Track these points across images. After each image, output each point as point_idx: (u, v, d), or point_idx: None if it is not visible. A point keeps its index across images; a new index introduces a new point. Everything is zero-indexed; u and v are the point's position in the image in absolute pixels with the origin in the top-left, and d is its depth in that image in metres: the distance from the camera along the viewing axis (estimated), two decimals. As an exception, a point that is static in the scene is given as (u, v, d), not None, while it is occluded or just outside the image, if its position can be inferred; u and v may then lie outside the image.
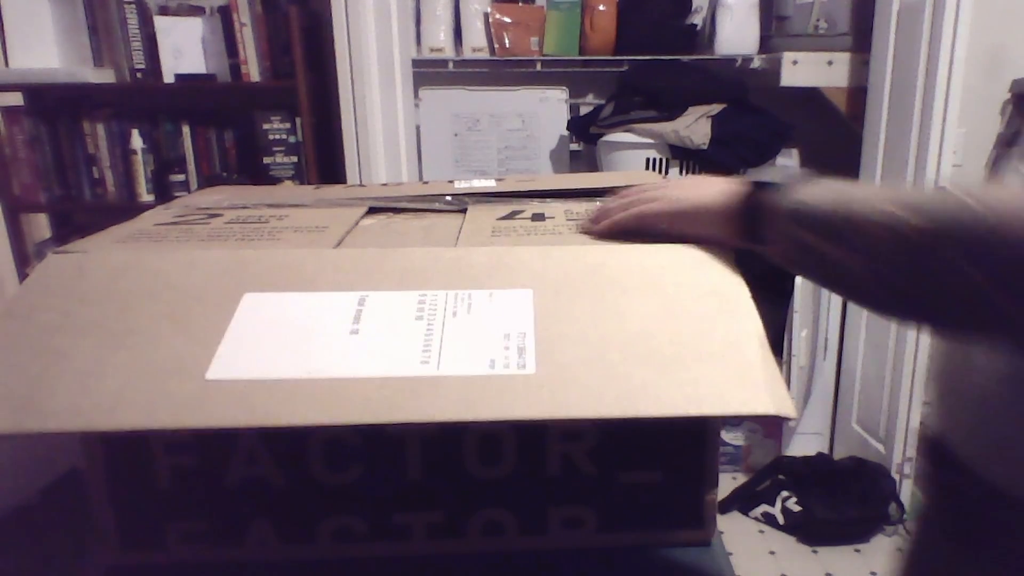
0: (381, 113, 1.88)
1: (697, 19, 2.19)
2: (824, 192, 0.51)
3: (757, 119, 1.98)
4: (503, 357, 0.46)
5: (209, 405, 0.43)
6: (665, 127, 1.95)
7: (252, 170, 1.97)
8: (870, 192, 0.50)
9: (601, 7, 2.09)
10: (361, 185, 1.10)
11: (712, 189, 0.57)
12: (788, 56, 1.95)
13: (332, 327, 0.49)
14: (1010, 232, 0.42)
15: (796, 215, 0.51)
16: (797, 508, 1.91)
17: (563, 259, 0.57)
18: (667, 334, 0.48)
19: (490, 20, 2.13)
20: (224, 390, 0.44)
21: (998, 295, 0.42)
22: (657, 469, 0.57)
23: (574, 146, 2.30)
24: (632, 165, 2.01)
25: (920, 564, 0.66)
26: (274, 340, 0.48)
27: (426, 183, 1.08)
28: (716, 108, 1.96)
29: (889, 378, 1.91)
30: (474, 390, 0.44)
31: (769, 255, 0.54)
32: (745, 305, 0.52)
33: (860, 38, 1.92)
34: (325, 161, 2.00)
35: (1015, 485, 0.53)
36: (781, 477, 2.00)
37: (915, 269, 0.45)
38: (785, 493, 1.96)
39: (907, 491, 1.93)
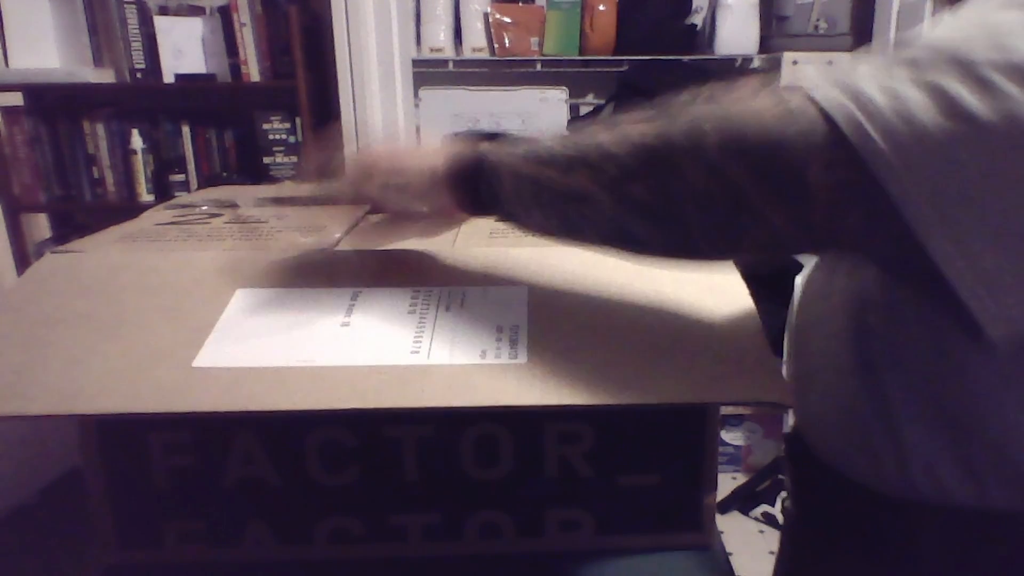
0: (381, 113, 1.88)
1: (697, 19, 2.18)
2: (558, 134, 0.46)
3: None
4: (495, 348, 0.46)
5: (195, 391, 0.43)
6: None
7: (252, 170, 1.97)
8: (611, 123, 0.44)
9: (601, 7, 2.09)
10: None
11: (422, 159, 0.52)
12: (788, 56, 1.94)
13: (323, 320, 0.49)
14: (762, 124, 0.38)
15: (529, 155, 0.46)
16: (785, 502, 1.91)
17: (560, 259, 0.57)
18: (664, 329, 0.48)
19: (490, 20, 2.13)
20: (211, 377, 0.44)
21: (754, 190, 0.38)
22: (655, 472, 0.57)
23: (574, 146, 2.30)
24: (632, 165, 2.01)
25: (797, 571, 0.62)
26: (264, 331, 0.48)
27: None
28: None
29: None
30: (464, 378, 0.44)
31: (502, 215, 0.49)
32: (743, 301, 0.52)
33: (860, 38, 1.92)
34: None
35: (867, 475, 0.51)
36: (781, 477, 2.00)
37: (663, 174, 0.40)
38: (785, 493, 1.96)
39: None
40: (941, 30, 0.38)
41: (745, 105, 0.39)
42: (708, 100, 0.41)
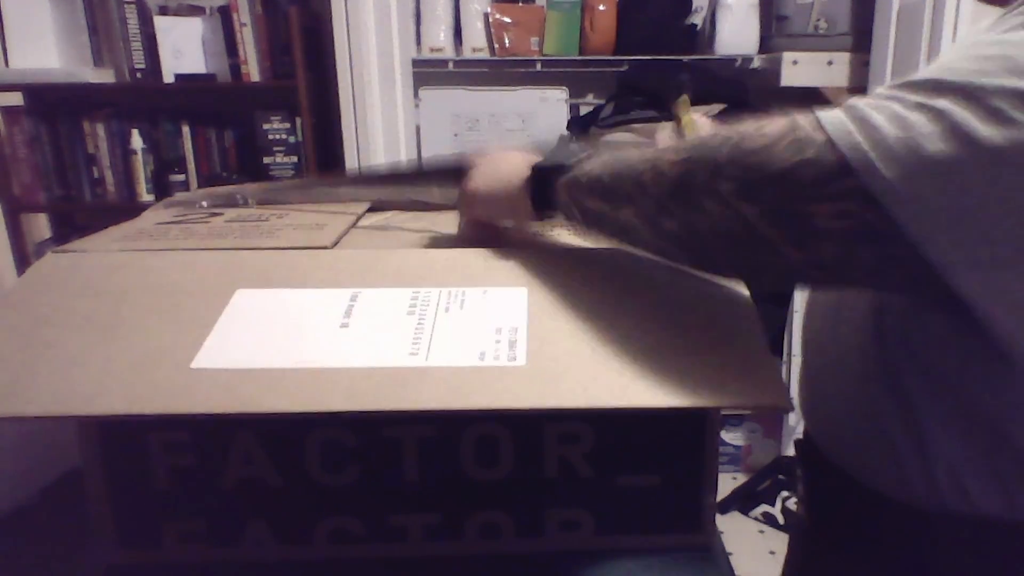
0: (381, 113, 1.88)
1: (697, 19, 2.18)
2: (602, 157, 0.50)
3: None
4: (494, 350, 0.46)
5: (193, 392, 0.43)
6: (665, 127, 1.95)
7: (252, 170, 1.97)
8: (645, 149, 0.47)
9: (601, 7, 2.09)
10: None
11: (507, 171, 0.58)
12: (788, 56, 1.94)
13: (322, 321, 0.49)
14: (773, 159, 0.38)
15: (575, 183, 0.51)
16: (797, 508, 1.92)
17: (560, 259, 0.57)
18: (663, 330, 0.48)
19: (490, 20, 2.13)
20: (209, 378, 0.44)
21: (768, 230, 0.39)
22: (655, 472, 0.57)
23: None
24: (632, 165, 2.01)
25: None
26: (263, 332, 0.48)
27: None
28: (716, 108, 1.96)
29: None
30: (463, 380, 0.44)
31: (570, 228, 0.55)
32: (743, 302, 0.51)
33: (860, 38, 1.91)
34: (325, 161, 2.00)
35: (888, 483, 0.50)
36: (781, 477, 2.00)
37: (688, 211, 0.42)
38: (785, 493, 1.96)
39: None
40: (958, 52, 0.37)
41: (758, 137, 0.39)
42: (730, 129, 0.41)
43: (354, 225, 0.68)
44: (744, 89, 2.02)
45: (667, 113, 1.97)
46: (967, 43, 0.38)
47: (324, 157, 2.00)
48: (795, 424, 2.11)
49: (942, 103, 0.35)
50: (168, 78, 1.89)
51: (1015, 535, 0.46)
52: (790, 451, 2.13)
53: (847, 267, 0.39)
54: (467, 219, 0.64)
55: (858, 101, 0.37)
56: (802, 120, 0.38)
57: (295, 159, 1.96)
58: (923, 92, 0.36)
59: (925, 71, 0.37)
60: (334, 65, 1.82)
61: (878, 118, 0.36)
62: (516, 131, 2.28)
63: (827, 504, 0.58)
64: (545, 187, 0.54)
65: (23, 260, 1.96)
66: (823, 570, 0.59)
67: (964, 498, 0.46)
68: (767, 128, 0.39)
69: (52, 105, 1.95)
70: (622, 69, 2.14)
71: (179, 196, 0.84)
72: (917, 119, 0.35)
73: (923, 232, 0.35)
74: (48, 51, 1.92)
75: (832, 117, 0.37)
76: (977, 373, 0.44)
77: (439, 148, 2.28)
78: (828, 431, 0.56)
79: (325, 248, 0.61)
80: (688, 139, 0.44)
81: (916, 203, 0.35)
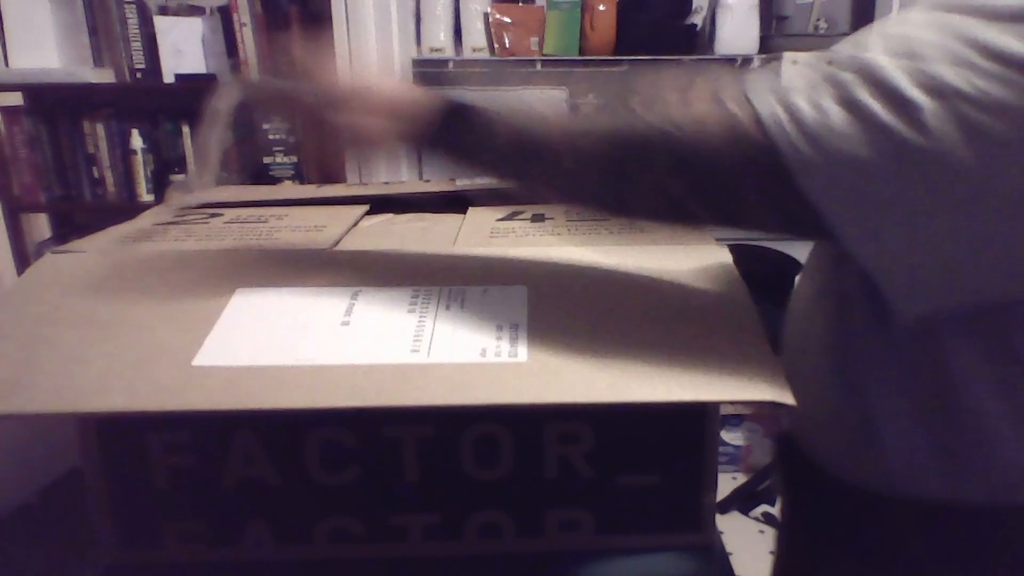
0: (381, 113, 1.88)
1: (697, 19, 2.18)
2: (524, 122, 0.50)
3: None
4: (495, 346, 0.46)
5: (194, 389, 0.43)
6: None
7: (252, 170, 1.97)
8: (566, 118, 0.49)
9: (601, 7, 2.09)
10: (362, 183, 1.11)
11: (408, 90, 0.52)
12: (788, 56, 1.94)
13: (323, 319, 0.49)
14: (708, 152, 0.41)
15: (491, 130, 0.48)
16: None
17: (560, 260, 0.57)
18: (664, 328, 0.48)
19: (490, 20, 2.13)
20: (210, 375, 0.44)
21: (694, 203, 0.44)
22: (655, 472, 0.57)
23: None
24: (632, 165, 2.01)
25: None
26: (264, 331, 0.48)
27: (427, 181, 1.08)
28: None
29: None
30: (464, 376, 0.44)
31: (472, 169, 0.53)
32: (743, 301, 0.52)
33: (860, 38, 1.92)
34: (325, 161, 2.00)
35: (851, 472, 0.52)
36: (781, 477, 2.00)
37: (618, 181, 0.45)
38: (783, 493, 1.96)
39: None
40: (895, 29, 0.40)
41: (690, 113, 0.42)
42: (656, 101, 0.44)
43: (354, 226, 0.68)
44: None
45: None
46: (904, 22, 0.40)
47: (324, 157, 1.99)
48: (795, 424, 2.11)
49: (857, 94, 0.38)
50: (168, 78, 1.89)
51: (965, 519, 0.47)
52: (790, 451, 2.13)
53: (755, 227, 0.45)
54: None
55: (789, 88, 0.40)
56: (736, 109, 0.41)
57: (295, 159, 1.95)
58: (841, 85, 0.39)
59: (861, 47, 0.40)
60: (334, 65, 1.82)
61: (807, 112, 0.39)
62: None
63: (803, 496, 0.59)
64: (459, 117, 0.49)
65: (23, 260, 1.95)
66: (802, 561, 0.60)
67: (916, 483, 0.48)
68: (701, 112, 0.42)
69: (52, 105, 1.95)
70: (622, 69, 2.14)
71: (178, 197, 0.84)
72: (835, 108, 0.38)
73: (840, 218, 0.40)
74: (48, 51, 1.92)
75: (761, 98, 0.40)
76: (930, 357, 0.46)
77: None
78: (800, 424, 0.58)
79: (325, 249, 0.61)
80: (607, 112, 0.47)
81: (838, 194, 0.39)
